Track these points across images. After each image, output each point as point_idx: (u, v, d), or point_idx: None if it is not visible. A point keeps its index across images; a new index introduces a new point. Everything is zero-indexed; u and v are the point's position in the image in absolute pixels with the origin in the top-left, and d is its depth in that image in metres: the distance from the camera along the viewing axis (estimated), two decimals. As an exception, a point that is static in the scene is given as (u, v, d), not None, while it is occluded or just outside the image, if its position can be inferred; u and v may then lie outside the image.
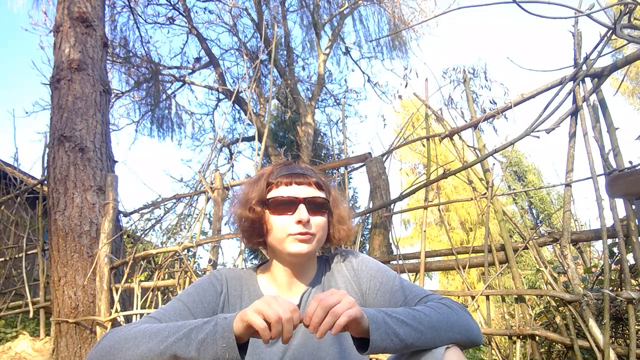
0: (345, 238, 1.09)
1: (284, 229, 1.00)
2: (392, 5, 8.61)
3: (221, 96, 9.31)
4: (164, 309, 0.97)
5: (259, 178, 1.08)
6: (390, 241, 2.57)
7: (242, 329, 0.79)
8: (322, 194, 1.05)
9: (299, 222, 0.99)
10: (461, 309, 0.95)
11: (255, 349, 1.00)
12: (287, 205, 1.01)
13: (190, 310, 0.97)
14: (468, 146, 2.37)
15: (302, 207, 1.00)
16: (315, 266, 1.12)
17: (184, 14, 8.28)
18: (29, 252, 3.48)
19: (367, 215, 2.76)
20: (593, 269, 2.23)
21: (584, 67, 1.88)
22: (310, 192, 1.03)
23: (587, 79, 1.89)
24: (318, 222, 1.02)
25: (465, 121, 2.41)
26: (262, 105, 8.83)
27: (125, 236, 3.63)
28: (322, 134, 10.64)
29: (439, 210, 2.73)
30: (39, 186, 3.56)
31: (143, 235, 3.70)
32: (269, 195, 1.03)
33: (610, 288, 1.70)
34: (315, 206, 1.02)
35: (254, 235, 1.07)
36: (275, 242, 1.03)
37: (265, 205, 1.03)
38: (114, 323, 2.53)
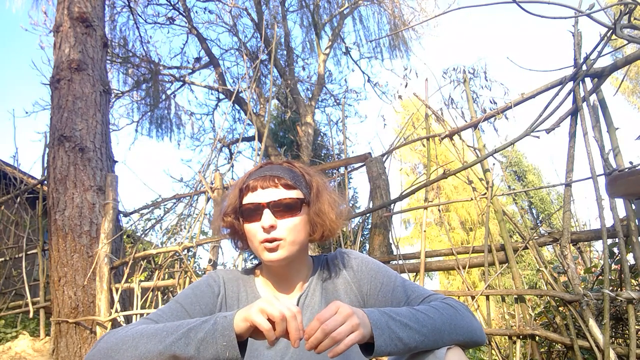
0: (329, 232, 1.04)
1: (254, 237, 1.00)
2: (392, 5, 8.61)
3: (221, 96, 9.31)
4: (162, 310, 0.97)
5: (234, 187, 1.08)
6: (390, 241, 2.57)
7: (244, 329, 0.78)
8: (291, 194, 1.00)
9: (263, 228, 0.97)
10: (465, 310, 0.94)
11: (254, 351, 1.00)
12: (253, 213, 0.99)
13: (187, 311, 0.97)
14: (468, 146, 2.37)
15: (266, 213, 0.97)
16: (307, 266, 1.10)
17: (184, 14, 8.28)
18: (29, 252, 3.48)
19: (367, 215, 2.76)
20: (593, 269, 2.23)
21: (584, 67, 1.88)
22: (276, 194, 0.99)
23: (587, 79, 1.90)
24: (287, 224, 0.98)
25: (465, 121, 2.41)
26: (262, 105, 8.83)
27: (125, 236, 3.64)
28: (322, 134, 10.64)
29: (439, 210, 2.73)
30: (39, 186, 3.56)
31: (143, 235, 3.70)
32: (243, 203, 1.02)
33: (610, 288, 1.70)
34: (283, 208, 0.98)
35: (239, 241, 1.09)
36: (253, 249, 1.03)
37: (240, 214, 1.03)
38: (114, 323, 2.53)
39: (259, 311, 0.77)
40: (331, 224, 1.03)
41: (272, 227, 0.97)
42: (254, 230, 0.99)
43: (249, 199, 1.01)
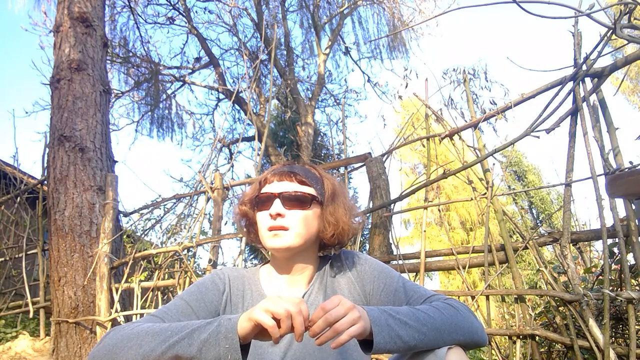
0: (340, 234, 1.07)
1: (262, 225, 1.04)
2: (391, 5, 8.60)
3: (221, 96, 9.30)
4: (167, 307, 0.98)
5: (256, 181, 1.14)
6: (390, 241, 2.57)
7: (249, 329, 0.79)
8: (303, 189, 1.04)
9: (270, 215, 1.02)
10: (466, 310, 0.95)
11: (257, 348, 1.00)
12: (265, 201, 1.04)
13: (192, 309, 0.98)
14: (468, 146, 2.37)
15: (276, 202, 1.02)
16: (313, 264, 1.11)
17: (184, 14, 8.28)
18: (29, 252, 3.48)
19: (367, 215, 2.76)
20: (593, 269, 2.23)
21: (584, 67, 1.88)
22: (289, 187, 1.04)
23: (587, 79, 1.89)
24: (294, 215, 1.02)
25: (465, 121, 2.41)
26: (262, 105, 8.82)
27: (125, 236, 3.63)
28: (322, 134, 10.63)
29: (439, 210, 2.73)
30: (39, 186, 3.56)
31: (143, 235, 3.70)
32: (259, 193, 1.08)
33: (610, 288, 1.70)
34: (293, 200, 1.03)
35: (253, 233, 1.12)
36: (261, 238, 1.06)
37: (255, 203, 1.08)
38: (114, 323, 2.53)
39: (264, 310, 0.77)
40: (343, 225, 1.06)
41: (279, 215, 1.01)
42: (262, 217, 1.04)
43: (265, 189, 1.06)
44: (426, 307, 0.91)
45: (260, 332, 0.80)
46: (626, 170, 1.69)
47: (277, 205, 1.01)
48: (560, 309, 1.98)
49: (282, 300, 0.78)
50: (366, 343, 0.84)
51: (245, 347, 0.81)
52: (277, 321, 0.77)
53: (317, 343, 0.77)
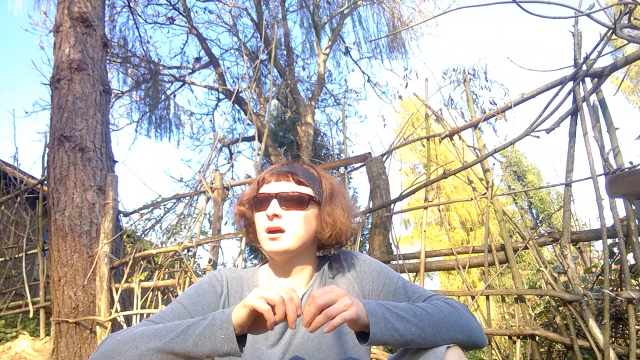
0: (338, 234, 1.06)
1: (260, 226, 1.04)
2: (391, 5, 8.60)
3: (221, 96, 9.31)
4: (163, 312, 0.98)
5: (254, 181, 1.13)
6: (390, 241, 2.57)
7: (244, 317, 0.79)
8: (301, 189, 1.03)
9: (267, 216, 1.01)
10: (465, 310, 0.95)
11: (256, 350, 1.00)
12: (263, 202, 1.03)
13: (189, 312, 0.97)
14: (468, 146, 2.37)
15: (273, 202, 1.01)
16: (312, 265, 1.10)
17: (183, 14, 8.27)
18: (29, 252, 3.48)
19: (367, 215, 2.76)
20: (593, 269, 2.23)
21: (584, 67, 1.88)
22: (287, 187, 1.03)
23: (587, 79, 1.90)
24: (292, 216, 1.01)
25: (465, 121, 2.41)
26: (262, 105, 8.82)
27: (125, 236, 3.63)
28: (322, 134, 10.64)
29: (439, 210, 2.73)
30: (39, 186, 3.56)
31: (143, 235, 3.70)
32: (257, 193, 1.07)
33: (610, 288, 1.70)
34: (290, 200, 1.02)
35: (252, 233, 1.11)
36: (259, 239, 1.05)
37: (253, 204, 1.07)
38: (114, 323, 2.53)
39: (258, 297, 0.78)
40: (341, 226, 1.05)
41: (276, 216, 1.00)
42: (260, 218, 1.03)
43: (262, 189, 1.05)
44: (424, 304, 0.92)
45: (254, 323, 0.81)
46: (626, 170, 1.69)
47: (273, 206, 1.00)
48: (560, 309, 1.98)
49: (275, 288, 0.79)
50: (363, 335, 0.84)
51: (241, 339, 0.81)
52: (272, 309, 0.78)
53: (310, 330, 0.78)
